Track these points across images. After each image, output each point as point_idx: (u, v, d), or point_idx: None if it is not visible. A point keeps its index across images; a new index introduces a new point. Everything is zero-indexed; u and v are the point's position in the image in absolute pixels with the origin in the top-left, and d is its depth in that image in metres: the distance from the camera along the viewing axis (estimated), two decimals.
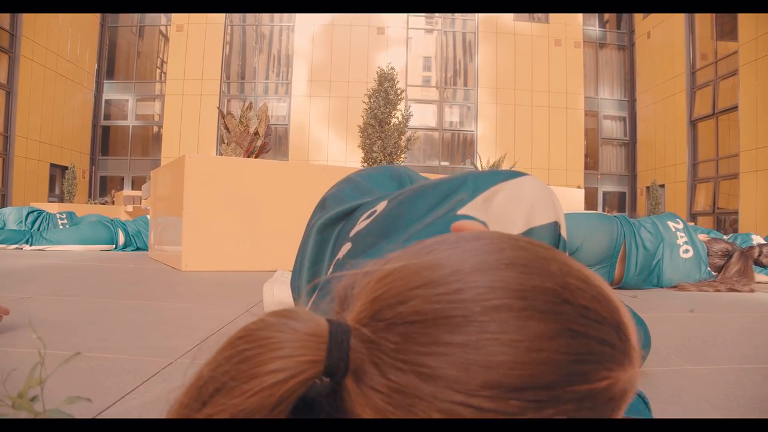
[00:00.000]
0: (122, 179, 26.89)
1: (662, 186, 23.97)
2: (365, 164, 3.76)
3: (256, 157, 4.19)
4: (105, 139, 27.11)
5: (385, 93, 3.71)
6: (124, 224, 5.25)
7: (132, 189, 26.48)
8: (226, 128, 4.06)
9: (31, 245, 4.71)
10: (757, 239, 4.24)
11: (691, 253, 3.02)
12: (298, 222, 3.41)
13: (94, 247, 4.92)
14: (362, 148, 3.57)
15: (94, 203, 21.21)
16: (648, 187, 19.45)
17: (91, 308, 1.78)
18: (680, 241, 3.04)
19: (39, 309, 1.73)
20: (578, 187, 19.06)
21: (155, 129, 26.78)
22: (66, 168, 23.68)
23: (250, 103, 4.34)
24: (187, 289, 2.38)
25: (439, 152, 26.24)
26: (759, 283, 3.43)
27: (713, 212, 21.11)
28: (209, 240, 3.28)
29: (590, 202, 26.22)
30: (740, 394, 1.05)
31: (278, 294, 1.73)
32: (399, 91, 3.78)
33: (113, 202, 20.38)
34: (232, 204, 3.36)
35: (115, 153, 27.09)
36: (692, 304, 2.35)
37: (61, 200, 23.43)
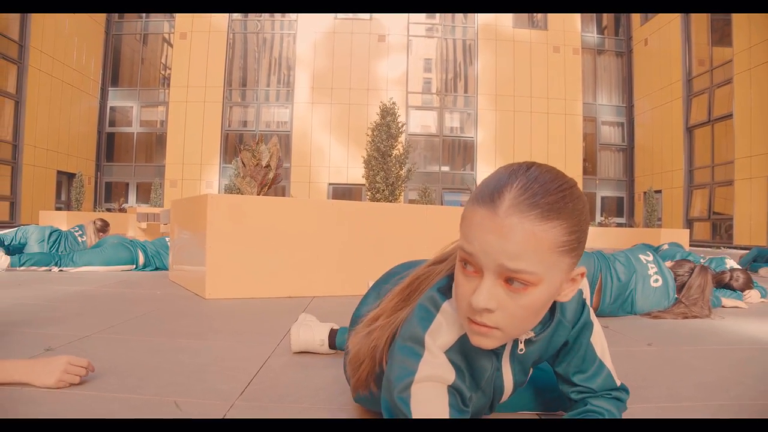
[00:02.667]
0: (127, 185, 27.28)
1: (659, 192, 24.33)
2: (368, 177, 4.03)
3: (269, 188, 4.56)
4: (110, 146, 27.51)
5: (387, 127, 3.96)
6: (143, 245, 5.60)
7: (137, 195, 26.91)
8: (243, 163, 4.42)
9: (59, 267, 5.07)
10: (730, 263, 4.59)
11: (660, 282, 3.38)
12: (310, 252, 3.81)
13: (116, 267, 5.29)
14: (366, 179, 3.82)
15: (101, 210, 21.61)
16: (645, 193, 19.78)
17: (146, 348, 2.14)
18: (651, 272, 3.41)
19: (101, 350, 2.08)
20: None
21: (159, 135, 27.14)
22: (72, 175, 24.10)
23: (261, 136, 4.70)
24: (220, 324, 2.74)
25: (440, 158, 26.61)
26: (725, 307, 3.78)
27: (709, 218, 21.45)
28: (230, 270, 3.64)
29: (588, 207, 26.52)
30: None
31: (303, 335, 2.10)
32: (400, 125, 4.02)
33: (120, 210, 20.78)
34: (250, 237, 3.72)
35: (120, 159, 27.48)
36: (656, 335, 2.71)
37: (68, 207, 23.83)
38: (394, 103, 4.32)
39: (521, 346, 1.13)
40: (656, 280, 3.36)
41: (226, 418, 1.41)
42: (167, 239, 5.63)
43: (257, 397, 1.59)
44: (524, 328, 0.98)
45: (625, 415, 1.48)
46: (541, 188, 0.90)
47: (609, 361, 1.23)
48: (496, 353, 1.10)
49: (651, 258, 3.45)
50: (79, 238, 6.62)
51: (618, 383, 1.25)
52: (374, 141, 4.01)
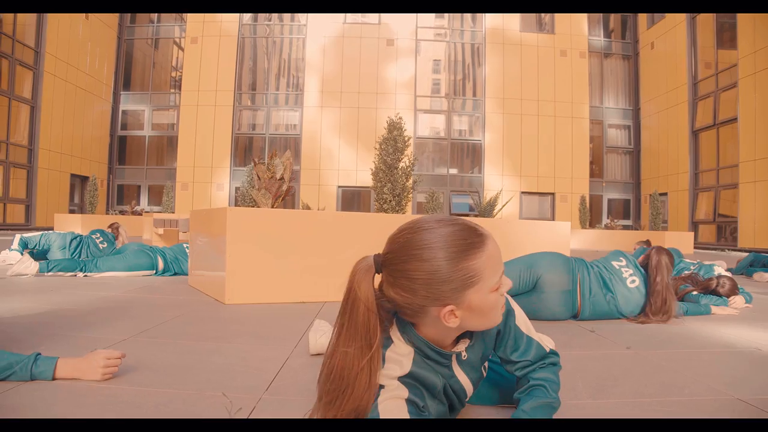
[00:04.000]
0: (139, 187, 27.67)
1: (665, 194, 24.49)
2: (375, 188, 4.23)
3: (282, 199, 4.85)
4: (122, 149, 27.92)
5: (393, 141, 4.18)
6: (162, 252, 5.91)
7: (149, 197, 27.29)
8: (258, 176, 4.71)
9: (84, 273, 5.38)
10: (719, 270, 4.85)
11: (637, 282, 3.65)
12: (322, 260, 4.10)
13: (137, 273, 5.60)
14: (374, 189, 4.03)
15: (114, 213, 21.99)
16: (650, 195, 19.97)
17: (179, 350, 2.44)
18: (626, 275, 3.69)
19: (140, 352, 2.37)
20: (582, 199, 19.60)
21: (170, 138, 27.51)
22: (86, 178, 24.53)
23: (275, 150, 4.99)
24: (241, 327, 3.03)
25: (448, 160, 26.87)
26: (715, 314, 4.04)
27: (714, 221, 21.61)
28: (248, 278, 3.94)
29: (595, 209, 26.78)
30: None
31: (320, 339, 2.40)
32: (406, 138, 4.23)
33: (133, 213, 21.15)
34: (266, 247, 4.01)
35: (132, 162, 27.88)
36: (636, 340, 2.98)
37: (82, 210, 24.28)
38: (400, 118, 4.51)
39: (464, 354, 1.45)
40: (633, 281, 3.64)
41: (255, 409, 1.70)
42: (186, 246, 5.93)
43: (281, 392, 1.88)
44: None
45: (593, 409, 1.76)
46: None
47: (535, 335, 1.56)
48: (447, 366, 1.43)
49: (624, 262, 3.73)
50: (99, 244, 6.95)
51: (548, 350, 1.57)
52: (381, 154, 4.21)
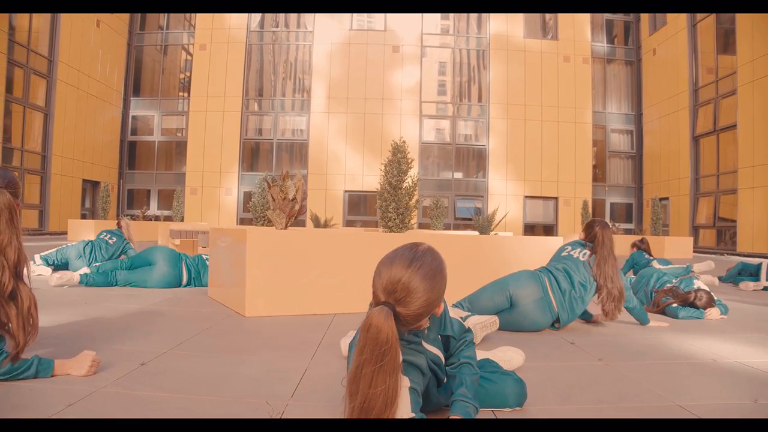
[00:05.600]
0: (148, 192, 28.17)
1: (666, 199, 24.85)
2: (382, 204, 4.55)
3: (296, 218, 5.27)
4: (132, 154, 28.43)
5: (398, 163, 4.47)
6: (188, 266, 6.25)
7: (158, 201, 27.77)
8: (272, 198, 5.13)
9: (115, 284, 5.81)
10: (698, 284, 5.23)
11: (588, 255, 4.13)
12: (333, 276, 4.52)
13: (163, 289, 6.00)
14: (379, 208, 4.31)
15: (126, 218, 22.43)
16: (651, 200, 20.36)
17: (213, 362, 2.85)
18: (576, 255, 4.15)
19: (181, 364, 2.79)
20: (584, 203, 19.96)
21: (179, 143, 27.98)
22: (96, 183, 25.04)
23: (287, 172, 5.40)
24: (263, 340, 3.46)
25: (453, 165, 27.26)
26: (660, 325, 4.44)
27: (714, 225, 21.96)
28: (266, 292, 4.36)
29: (598, 213, 27.14)
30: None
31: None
32: (410, 160, 4.53)
33: (144, 218, 21.64)
34: (282, 264, 4.43)
35: (142, 167, 28.39)
36: (609, 352, 3.38)
37: (93, 215, 24.80)
38: (404, 142, 4.81)
39: (426, 331, 1.96)
40: (584, 255, 4.13)
41: (284, 413, 2.12)
42: (205, 257, 6.34)
43: (304, 399, 2.29)
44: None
45: (559, 414, 2.17)
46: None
47: (457, 319, 2.10)
48: (419, 342, 1.94)
49: (570, 248, 4.28)
50: (108, 240, 7.35)
51: (467, 327, 2.12)
52: (387, 176, 4.49)
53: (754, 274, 7.93)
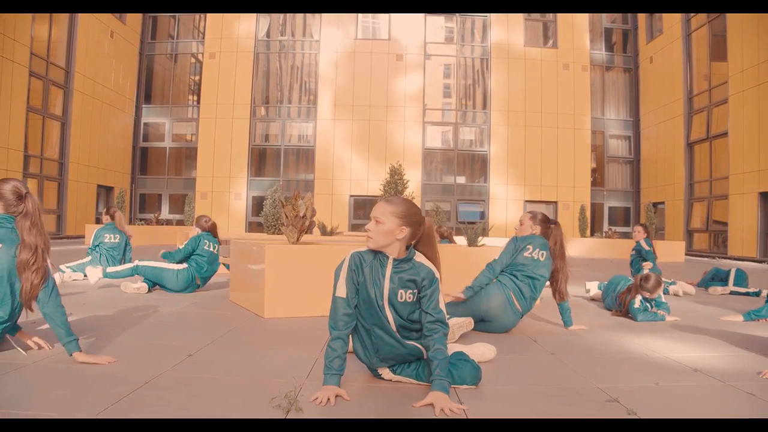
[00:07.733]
0: (160, 196, 29.04)
1: (662, 203, 25.56)
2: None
3: (306, 233, 6.05)
4: (144, 160, 29.33)
5: (395, 184, 5.03)
6: (198, 271, 7.04)
7: (169, 206, 28.62)
8: (285, 215, 5.91)
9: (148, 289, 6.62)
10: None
11: (545, 255, 4.81)
12: None
13: (186, 294, 6.78)
14: None
15: (139, 223, 23.30)
16: (646, 205, 21.12)
17: (243, 356, 3.62)
18: (536, 256, 4.79)
19: (218, 356, 3.57)
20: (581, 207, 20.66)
21: (189, 149, 28.84)
22: (110, 188, 25.95)
23: (298, 192, 6.17)
24: (281, 338, 4.23)
25: (455, 170, 28.01)
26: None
27: (707, 230, 22.67)
28: (282, 296, 5.14)
29: (597, 217, 27.87)
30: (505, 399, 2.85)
31: None
32: (405, 181, 5.10)
33: (158, 222, 22.47)
34: (296, 273, 5.21)
35: (153, 172, 29.26)
36: (561, 347, 4.13)
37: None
38: (400, 165, 5.37)
39: (395, 263, 2.82)
40: (542, 255, 4.81)
41: (302, 387, 2.88)
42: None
43: (316, 378, 3.06)
44: (380, 243, 2.78)
45: (504, 393, 2.92)
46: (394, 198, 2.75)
47: (442, 303, 2.84)
48: (383, 266, 2.82)
49: (531, 249, 4.83)
50: (107, 235, 8.16)
51: (444, 312, 2.84)
52: (385, 195, 5.05)
53: (724, 279, 8.55)
